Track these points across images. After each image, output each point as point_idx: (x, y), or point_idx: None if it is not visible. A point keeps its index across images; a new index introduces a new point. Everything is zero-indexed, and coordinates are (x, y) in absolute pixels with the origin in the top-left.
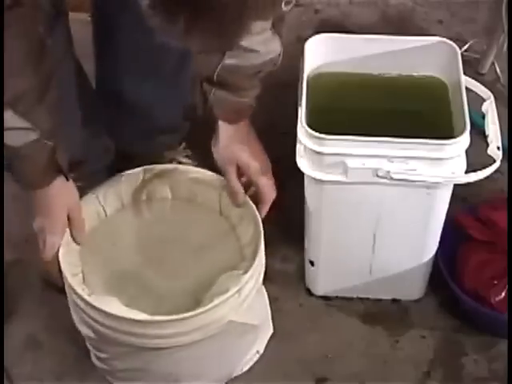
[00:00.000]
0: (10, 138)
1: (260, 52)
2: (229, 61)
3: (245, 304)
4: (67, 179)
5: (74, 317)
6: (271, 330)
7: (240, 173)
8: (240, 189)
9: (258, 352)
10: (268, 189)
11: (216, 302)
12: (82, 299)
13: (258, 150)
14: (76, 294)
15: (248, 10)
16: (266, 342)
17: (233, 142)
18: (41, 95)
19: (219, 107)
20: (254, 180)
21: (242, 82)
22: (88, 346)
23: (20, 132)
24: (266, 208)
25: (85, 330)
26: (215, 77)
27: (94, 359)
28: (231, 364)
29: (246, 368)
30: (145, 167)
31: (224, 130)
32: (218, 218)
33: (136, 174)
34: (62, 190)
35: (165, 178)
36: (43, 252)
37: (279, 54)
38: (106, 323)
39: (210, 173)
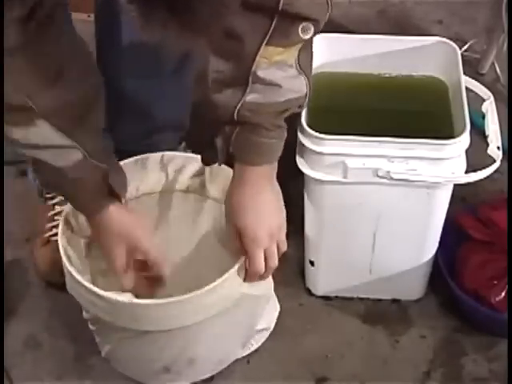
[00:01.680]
0: (52, 157)
1: (282, 87)
2: (250, 97)
3: None
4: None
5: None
6: (278, 308)
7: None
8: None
9: (267, 329)
10: (257, 265)
11: (226, 275)
12: (92, 292)
13: (270, 212)
14: (82, 285)
15: (224, 8)
16: (275, 319)
17: (241, 195)
18: (85, 112)
19: (240, 149)
20: (247, 250)
21: (265, 122)
22: (96, 338)
23: (62, 150)
24: (250, 279)
25: (96, 317)
26: (235, 116)
27: (103, 353)
28: (243, 339)
29: (256, 346)
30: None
31: (239, 176)
32: (220, 211)
33: (136, 166)
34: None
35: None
36: None
37: (306, 95)
38: (111, 310)
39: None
